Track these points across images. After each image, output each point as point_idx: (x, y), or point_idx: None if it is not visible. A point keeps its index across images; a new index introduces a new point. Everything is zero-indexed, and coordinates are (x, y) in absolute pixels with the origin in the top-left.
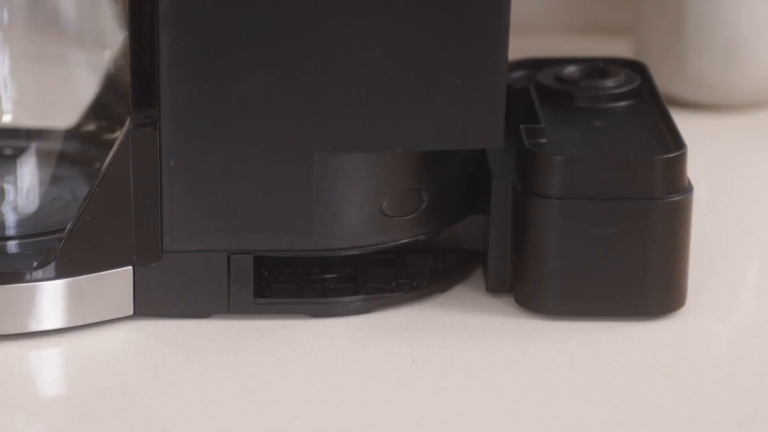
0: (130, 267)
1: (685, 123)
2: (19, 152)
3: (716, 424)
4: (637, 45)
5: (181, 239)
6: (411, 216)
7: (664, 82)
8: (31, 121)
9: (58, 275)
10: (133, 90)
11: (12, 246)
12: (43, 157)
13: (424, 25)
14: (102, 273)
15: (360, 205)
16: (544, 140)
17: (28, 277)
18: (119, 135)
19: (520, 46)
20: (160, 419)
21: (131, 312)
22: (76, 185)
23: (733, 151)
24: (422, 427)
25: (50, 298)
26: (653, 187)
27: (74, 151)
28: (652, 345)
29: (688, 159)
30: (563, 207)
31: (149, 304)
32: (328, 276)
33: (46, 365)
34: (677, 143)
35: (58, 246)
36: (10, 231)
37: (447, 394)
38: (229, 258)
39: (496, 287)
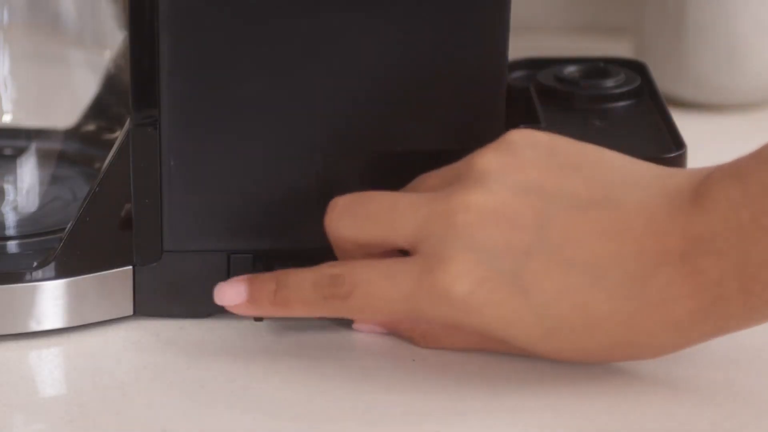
0: (130, 267)
1: (685, 123)
2: (19, 152)
3: (716, 424)
4: (637, 45)
5: (182, 239)
6: None
7: (664, 82)
8: (31, 121)
9: (59, 275)
10: (133, 90)
11: (12, 246)
12: (43, 157)
13: (424, 25)
14: (102, 273)
15: None
16: None
17: (28, 277)
18: (119, 135)
19: (520, 46)
20: (160, 419)
21: (131, 312)
22: (76, 185)
23: (733, 151)
24: (422, 427)
25: (50, 298)
26: None
27: (74, 151)
28: None
29: (688, 159)
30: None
31: (149, 304)
32: None
33: (46, 365)
34: (677, 143)
35: (58, 246)
36: (10, 231)
37: (447, 394)
38: (229, 258)
39: None
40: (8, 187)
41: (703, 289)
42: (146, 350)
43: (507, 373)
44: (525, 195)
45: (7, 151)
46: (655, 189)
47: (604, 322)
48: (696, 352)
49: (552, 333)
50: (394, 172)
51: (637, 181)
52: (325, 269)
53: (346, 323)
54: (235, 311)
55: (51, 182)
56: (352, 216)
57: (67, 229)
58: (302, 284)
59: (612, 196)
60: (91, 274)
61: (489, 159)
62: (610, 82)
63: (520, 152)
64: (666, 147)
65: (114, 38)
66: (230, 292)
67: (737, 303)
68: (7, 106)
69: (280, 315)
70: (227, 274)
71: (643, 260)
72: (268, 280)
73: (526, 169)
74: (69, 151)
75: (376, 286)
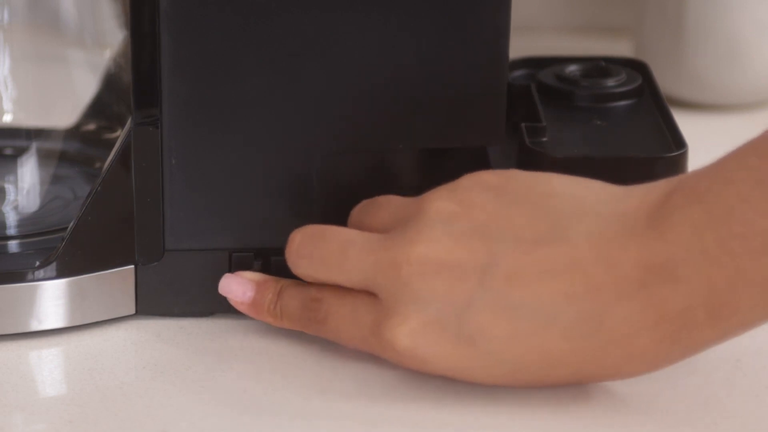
0: (132, 266)
1: (685, 123)
2: (20, 152)
3: (716, 424)
4: (637, 45)
5: (183, 238)
6: None
7: (664, 82)
8: (31, 121)
9: (60, 275)
10: (134, 89)
11: (13, 246)
12: (43, 157)
13: (425, 25)
14: (103, 272)
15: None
16: (545, 139)
17: (30, 276)
18: (120, 134)
19: (521, 46)
20: (160, 419)
21: (133, 311)
22: (77, 185)
23: None
24: (422, 426)
25: (52, 298)
26: None
27: (75, 151)
28: None
29: (689, 159)
30: None
31: (151, 303)
32: None
33: (47, 365)
34: (678, 143)
35: (59, 245)
36: (12, 231)
37: (447, 394)
38: (230, 256)
39: None
40: (9, 187)
41: (667, 319)
42: (146, 350)
43: None
44: (469, 241)
45: (8, 151)
46: (607, 216)
47: (565, 360)
48: None
49: (511, 374)
50: (395, 171)
51: (587, 210)
52: (312, 291)
53: None
54: (235, 306)
55: (51, 182)
56: (307, 257)
57: (68, 229)
58: (292, 301)
59: (560, 231)
60: (93, 274)
61: (437, 206)
62: (611, 82)
63: (468, 197)
64: (667, 146)
65: (114, 38)
66: (237, 289)
67: (706, 329)
68: (7, 105)
69: (275, 325)
70: (229, 273)
71: (598, 296)
72: (271, 289)
73: (473, 213)
74: (69, 151)
75: (343, 321)
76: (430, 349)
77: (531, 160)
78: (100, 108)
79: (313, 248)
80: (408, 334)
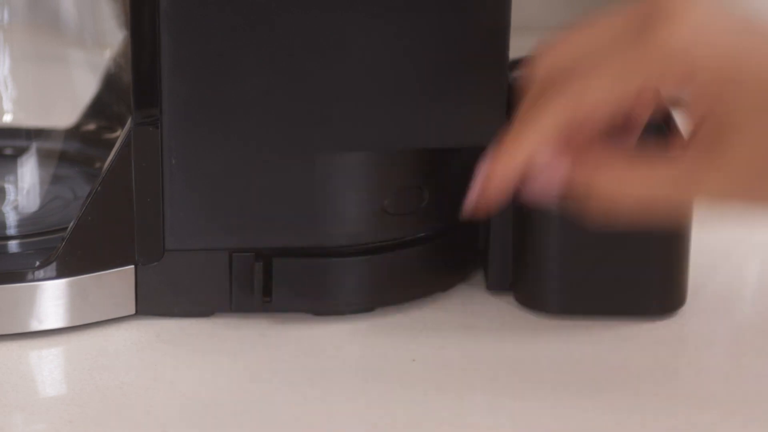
0: (132, 266)
1: (685, 123)
2: (20, 152)
3: (716, 424)
4: None
5: (183, 238)
6: (412, 213)
7: None
8: (31, 121)
9: (60, 275)
10: (134, 89)
11: (13, 245)
12: (43, 157)
13: (426, 25)
14: (104, 272)
15: (361, 203)
16: None
17: (30, 276)
18: (120, 134)
19: (521, 46)
20: (160, 419)
21: (133, 311)
22: (77, 185)
23: None
24: (422, 427)
25: (52, 298)
26: None
27: (74, 151)
28: (652, 345)
29: None
30: (564, 205)
31: (151, 303)
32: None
33: (47, 365)
34: None
35: (59, 245)
36: (12, 231)
37: (447, 394)
38: (231, 256)
39: (496, 285)
40: (9, 187)
41: None
42: (146, 350)
43: (507, 374)
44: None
45: (8, 151)
46: None
47: None
48: (695, 353)
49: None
50: (395, 171)
51: None
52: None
53: (346, 321)
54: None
55: (51, 182)
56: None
57: (69, 229)
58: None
59: None
60: (93, 274)
61: None
62: None
63: None
64: (666, 146)
65: (114, 38)
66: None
67: None
68: (7, 106)
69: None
70: (229, 273)
71: None
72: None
73: None
74: (69, 151)
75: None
76: (708, 39)
77: None
78: (100, 108)
79: None
80: (688, 24)
